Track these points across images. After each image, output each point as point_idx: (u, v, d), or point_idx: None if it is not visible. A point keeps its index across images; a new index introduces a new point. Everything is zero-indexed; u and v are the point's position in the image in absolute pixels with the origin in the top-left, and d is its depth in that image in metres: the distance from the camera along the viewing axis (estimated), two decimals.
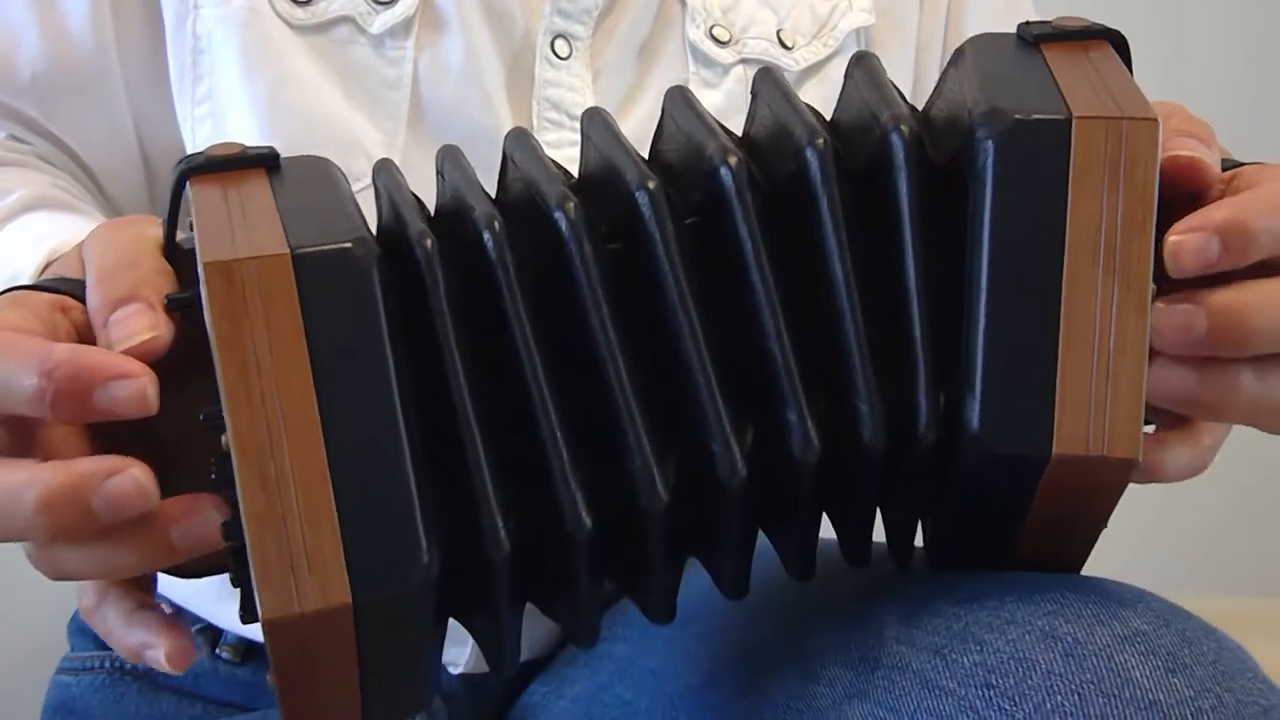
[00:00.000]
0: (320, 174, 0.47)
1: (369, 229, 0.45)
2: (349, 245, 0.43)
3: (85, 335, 0.46)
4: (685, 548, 0.51)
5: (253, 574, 0.42)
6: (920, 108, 0.50)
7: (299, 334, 0.42)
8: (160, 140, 0.75)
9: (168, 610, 0.48)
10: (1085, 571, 0.52)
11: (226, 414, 0.42)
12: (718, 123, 0.50)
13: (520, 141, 0.50)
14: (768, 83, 0.51)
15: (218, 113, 0.71)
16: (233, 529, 0.43)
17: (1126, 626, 0.47)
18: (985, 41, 0.50)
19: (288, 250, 0.42)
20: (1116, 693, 0.45)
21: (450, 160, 0.50)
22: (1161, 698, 0.45)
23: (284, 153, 0.47)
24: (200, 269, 0.42)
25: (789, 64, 0.76)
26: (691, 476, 0.47)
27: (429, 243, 0.45)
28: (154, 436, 0.46)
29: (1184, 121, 0.49)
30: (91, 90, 0.73)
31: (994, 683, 0.46)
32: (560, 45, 0.72)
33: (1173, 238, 0.45)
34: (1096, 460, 0.45)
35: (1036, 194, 0.45)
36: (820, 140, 0.46)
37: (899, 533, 0.53)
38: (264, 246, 0.42)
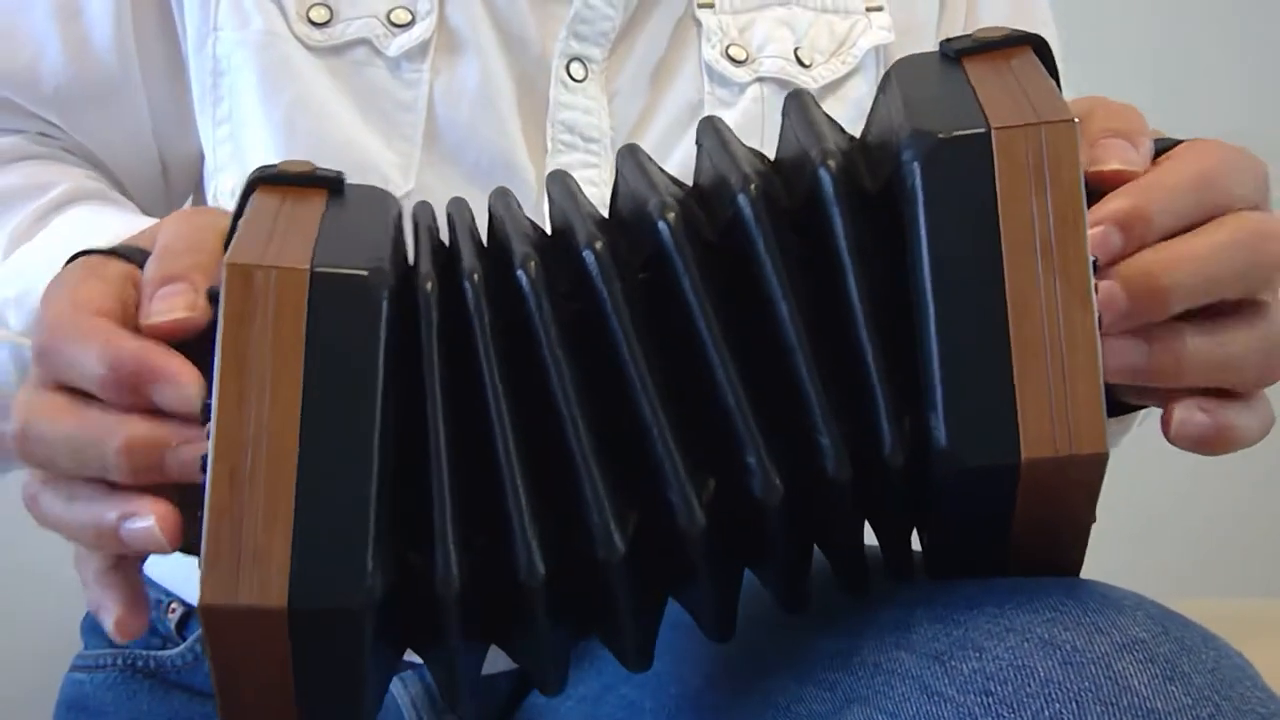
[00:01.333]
0: (376, 204, 0.48)
1: (397, 263, 0.45)
2: (365, 273, 0.43)
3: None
4: (661, 595, 0.51)
5: (200, 560, 0.42)
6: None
7: (300, 346, 0.43)
8: (179, 148, 0.75)
9: (145, 588, 0.48)
10: (1084, 572, 0.50)
11: (215, 405, 0.42)
12: (665, 176, 0.50)
13: (500, 199, 0.51)
14: (708, 133, 0.51)
15: (237, 133, 0.70)
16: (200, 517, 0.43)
17: (1125, 634, 0.45)
18: (909, 63, 0.50)
19: (308, 267, 0.43)
20: (1114, 701, 0.44)
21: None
22: (1160, 705, 0.44)
23: None
24: (222, 267, 0.43)
25: (807, 82, 0.75)
26: (654, 526, 0.47)
27: (429, 285, 0.45)
28: None
29: (1107, 116, 0.48)
30: (113, 102, 0.72)
31: (993, 690, 0.45)
32: (575, 68, 0.72)
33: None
34: (1066, 460, 0.44)
35: (967, 207, 0.45)
36: (752, 186, 0.46)
37: (892, 551, 0.52)
38: (288, 259, 0.43)
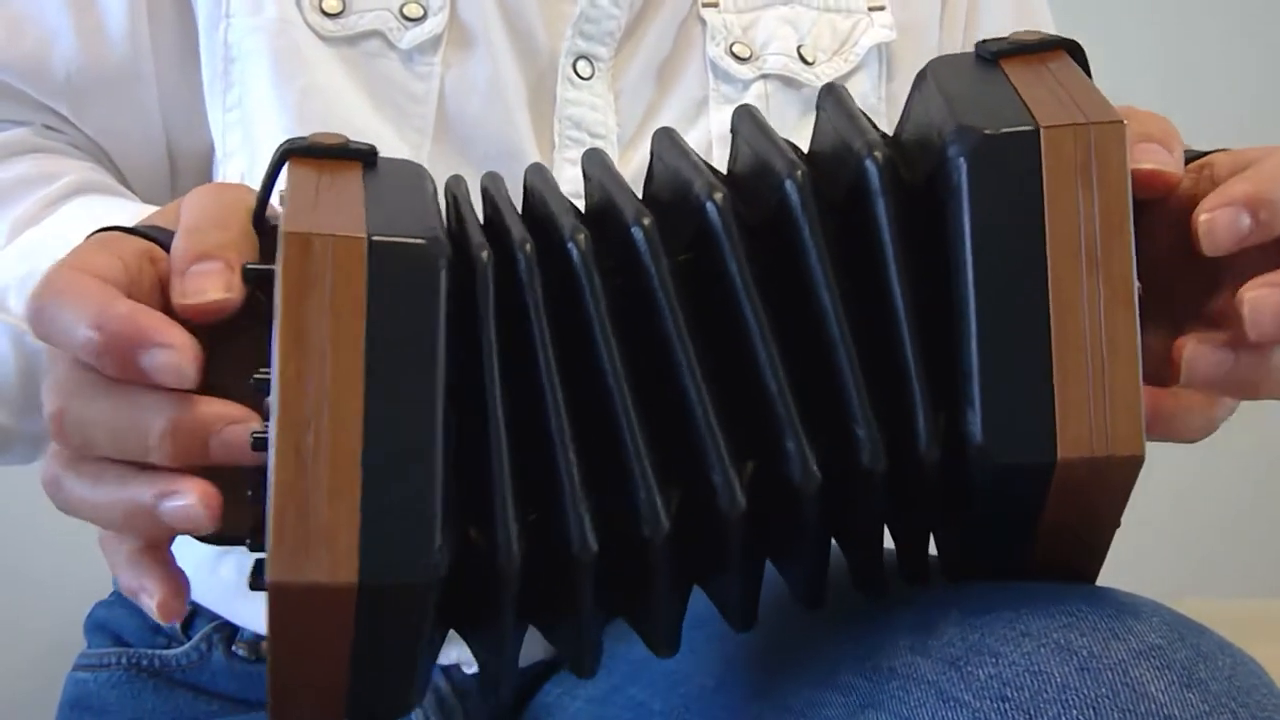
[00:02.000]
0: (411, 177, 0.48)
1: (446, 233, 0.44)
2: (423, 241, 0.42)
3: (169, 287, 0.45)
4: (690, 579, 0.50)
5: (268, 538, 0.41)
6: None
7: (360, 316, 0.41)
8: (188, 141, 0.73)
9: (177, 565, 0.46)
10: None
11: (276, 380, 0.41)
12: (704, 161, 0.49)
13: (537, 174, 0.50)
14: (745, 120, 0.50)
15: (247, 119, 0.69)
16: (260, 492, 0.42)
17: (1142, 641, 0.45)
18: (945, 63, 0.49)
19: (365, 235, 0.42)
20: (1131, 707, 0.43)
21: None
22: (1177, 712, 0.43)
23: None
24: (280, 237, 0.41)
25: (809, 79, 0.74)
26: (695, 507, 0.46)
27: (485, 255, 0.44)
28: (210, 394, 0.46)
29: (1141, 123, 0.47)
30: (124, 92, 0.71)
31: (1009, 695, 0.45)
32: (582, 66, 0.71)
33: (1203, 216, 0.45)
34: (1102, 461, 0.44)
35: (1013, 205, 0.44)
36: (799, 172, 0.46)
37: (909, 554, 0.51)
38: (344, 227, 0.42)
